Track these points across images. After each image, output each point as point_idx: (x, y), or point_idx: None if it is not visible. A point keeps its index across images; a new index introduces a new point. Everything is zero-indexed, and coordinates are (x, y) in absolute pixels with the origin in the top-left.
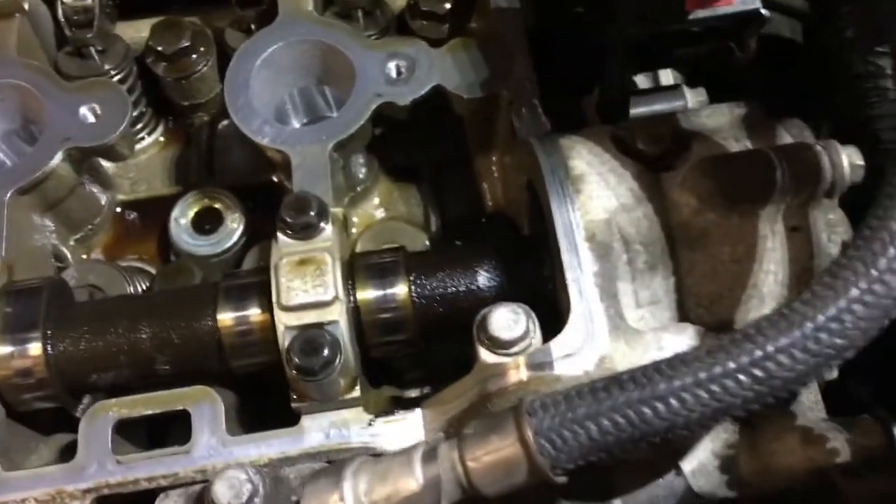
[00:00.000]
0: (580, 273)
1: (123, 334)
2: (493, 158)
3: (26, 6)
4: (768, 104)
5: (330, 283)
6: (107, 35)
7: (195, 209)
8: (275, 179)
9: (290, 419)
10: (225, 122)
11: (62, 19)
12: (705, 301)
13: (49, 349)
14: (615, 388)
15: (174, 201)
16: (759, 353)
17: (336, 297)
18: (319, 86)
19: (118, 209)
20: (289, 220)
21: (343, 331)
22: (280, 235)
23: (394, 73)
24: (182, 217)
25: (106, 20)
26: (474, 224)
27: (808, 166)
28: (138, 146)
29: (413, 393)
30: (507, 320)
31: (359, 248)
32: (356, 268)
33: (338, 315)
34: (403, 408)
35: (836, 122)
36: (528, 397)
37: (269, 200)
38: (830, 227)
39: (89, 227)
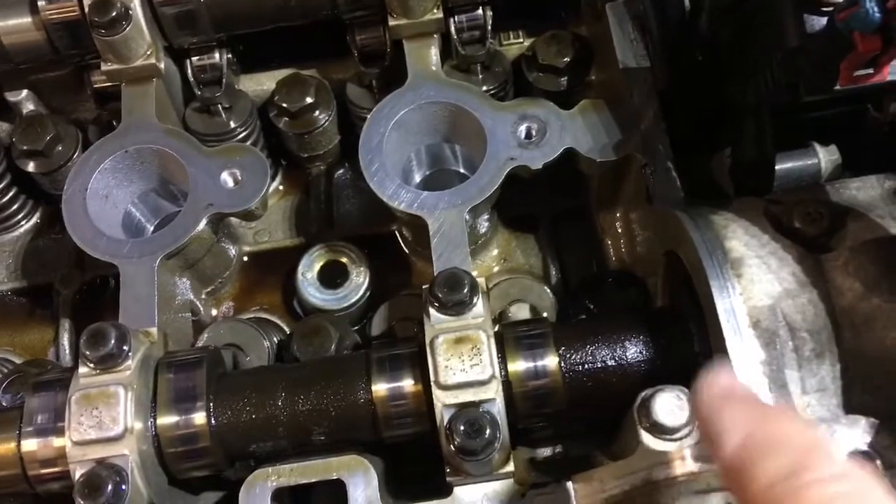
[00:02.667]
0: (748, 362)
1: (282, 406)
2: (618, 214)
3: (162, 69)
4: None
5: (486, 361)
6: (233, 92)
7: (321, 263)
8: (394, 230)
9: (436, 485)
10: (341, 171)
11: (191, 78)
12: (871, 387)
13: (213, 419)
14: None
15: (296, 252)
16: None
17: (493, 376)
18: (446, 142)
19: (245, 259)
20: (441, 297)
21: (500, 408)
22: (432, 311)
23: (524, 136)
24: (308, 272)
25: (231, 76)
26: (601, 283)
27: None
28: None
29: (545, 451)
30: (672, 406)
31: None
32: (506, 340)
33: (494, 393)
34: (540, 469)
35: None
36: None
37: (387, 250)
38: None
39: (219, 280)
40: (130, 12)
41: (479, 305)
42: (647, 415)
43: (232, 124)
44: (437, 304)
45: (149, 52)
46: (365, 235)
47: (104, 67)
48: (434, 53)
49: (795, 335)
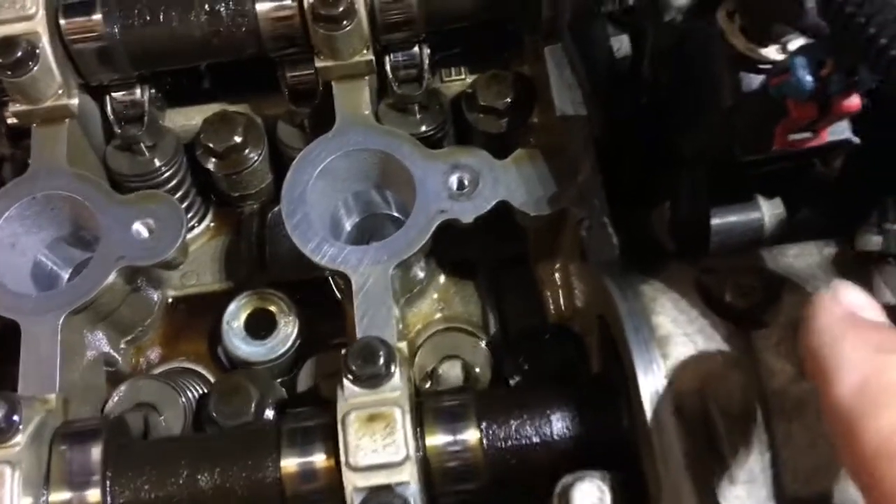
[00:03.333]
0: (669, 452)
1: (184, 485)
2: (557, 266)
3: (75, 108)
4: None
5: (401, 441)
6: (156, 129)
7: (247, 311)
8: (327, 274)
9: None
10: (275, 210)
11: (111, 115)
12: (802, 476)
13: (108, 498)
14: None
15: (225, 297)
16: None
17: (407, 457)
18: (376, 188)
19: (169, 301)
20: (355, 370)
21: (413, 491)
22: (346, 383)
23: (455, 187)
24: (234, 321)
25: (155, 112)
26: (537, 339)
27: None
28: (187, 236)
29: None
30: (592, 497)
31: (417, 358)
32: (426, 411)
33: (408, 476)
34: None
35: None
36: None
37: (320, 296)
38: None
39: (140, 328)
40: (38, 51)
41: (397, 377)
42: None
43: (156, 163)
44: (350, 377)
45: (60, 92)
46: (300, 281)
47: (12, 109)
48: (364, 96)
49: (722, 422)
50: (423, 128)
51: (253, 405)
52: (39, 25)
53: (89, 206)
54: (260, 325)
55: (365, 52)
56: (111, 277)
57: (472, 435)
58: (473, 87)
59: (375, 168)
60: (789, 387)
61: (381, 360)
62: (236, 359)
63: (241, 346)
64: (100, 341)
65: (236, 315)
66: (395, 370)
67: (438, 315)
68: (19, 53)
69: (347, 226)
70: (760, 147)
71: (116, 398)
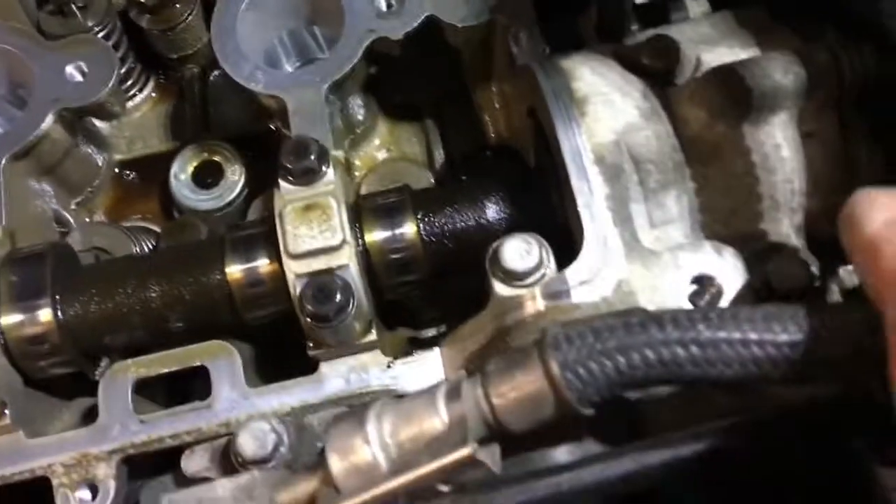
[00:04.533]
0: (591, 198)
1: (133, 294)
2: (493, 89)
3: None
4: (774, 7)
5: (337, 226)
6: None
7: (194, 164)
8: (272, 127)
9: (309, 367)
10: (216, 73)
11: None
12: (721, 216)
13: (59, 314)
14: (653, 325)
15: (172, 157)
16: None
17: (344, 241)
18: (309, 27)
19: (116, 169)
20: (289, 165)
21: (354, 274)
22: (282, 182)
23: (383, 6)
24: (182, 173)
25: None
26: (478, 157)
27: (820, 68)
28: (130, 104)
29: (430, 332)
30: (520, 251)
31: (363, 190)
32: (362, 210)
33: (347, 259)
34: (421, 348)
35: (844, 19)
36: (551, 330)
37: (268, 149)
38: (846, 131)
39: (89, 189)
40: None
41: (331, 174)
42: (498, 263)
43: (89, 23)
44: (286, 175)
45: None
46: (247, 135)
47: None
48: None
49: (640, 168)
50: None
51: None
52: None
53: (20, 55)
54: (208, 176)
55: None
56: (48, 121)
57: (409, 227)
58: None
59: (304, 0)
60: (703, 133)
61: (313, 155)
62: (186, 209)
63: (190, 195)
64: (48, 195)
65: (183, 168)
66: (328, 168)
67: (384, 156)
68: None
69: (288, 68)
70: None
71: (69, 242)
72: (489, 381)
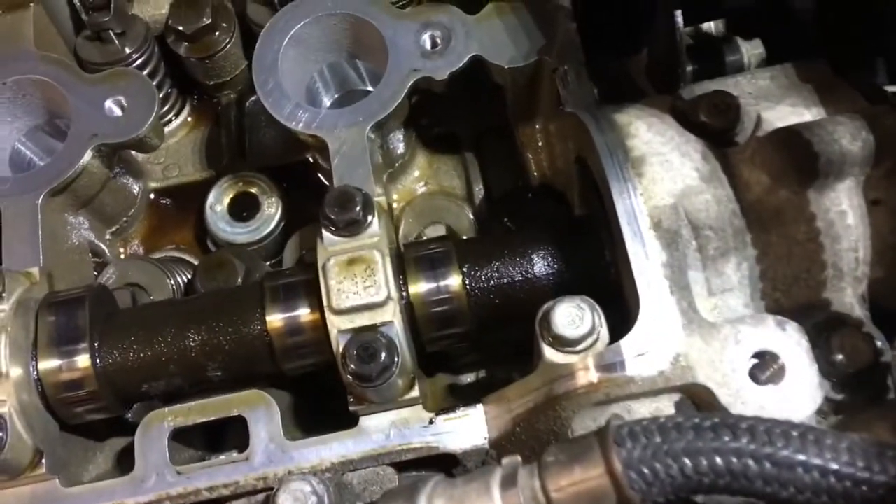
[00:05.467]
0: (647, 264)
1: (172, 343)
2: (537, 127)
3: None
4: (834, 60)
5: (381, 282)
6: (124, 16)
7: (230, 195)
8: (309, 158)
9: (348, 417)
10: (253, 99)
11: (77, 2)
12: (782, 285)
13: (98, 361)
14: (726, 431)
15: (208, 186)
16: None
17: (389, 297)
18: (351, 60)
19: (152, 196)
20: (333, 217)
21: (398, 331)
22: (325, 233)
23: (428, 45)
24: (217, 204)
25: (123, 1)
26: (520, 198)
27: (890, 133)
28: (166, 129)
29: (468, 378)
30: (572, 317)
31: (402, 227)
32: (407, 261)
33: (392, 315)
34: (460, 395)
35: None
36: (614, 423)
37: (305, 179)
38: None
39: (124, 219)
40: None
41: (375, 225)
42: (548, 327)
43: (127, 51)
44: (329, 226)
45: None
46: (283, 165)
47: None
48: None
49: (699, 234)
50: None
51: (240, 278)
52: None
53: (59, 88)
54: (244, 209)
55: None
56: (86, 156)
57: (454, 279)
58: None
59: (346, 34)
60: (765, 197)
61: (358, 207)
62: (222, 242)
63: (226, 228)
64: (83, 227)
65: (219, 199)
66: (373, 218)
67: (422, 190)
68: None
69: (327, 101)
70: None
71: (104, 278)
72: (547, 472)
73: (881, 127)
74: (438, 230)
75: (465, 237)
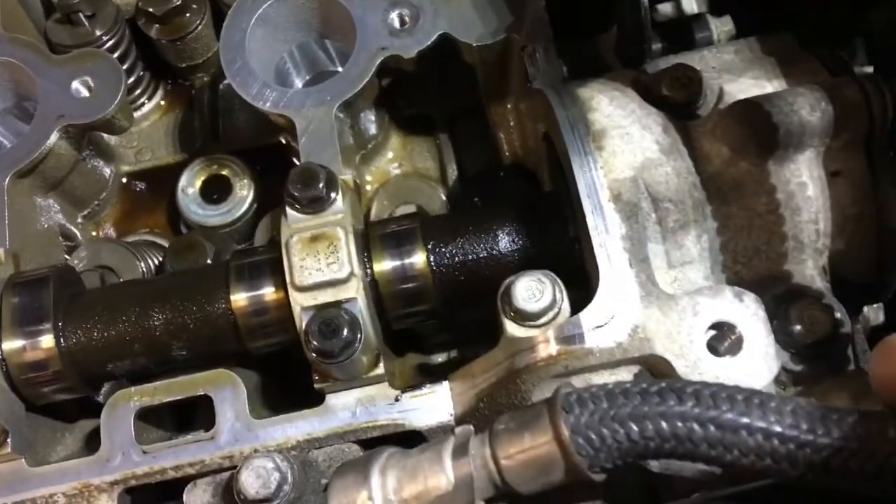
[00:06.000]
0: (607, 237)
1: (136, 322)
2: (508, 106)
3: None
4: (801, 32)
5: (344, 258)
6: None
7: (202, 178)
8: (283, 140)
9: (315, 396)
10: (226, 82)
11: None
12: (742, 257)
13: (62, 341)
14: (672, 395)
15: (181, 169)
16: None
17: (352, 273)
18: (320, 40)
19: (124, 180)
20: (296, 194)
21: (361, 307)
22: (289, 210)
23: (397, 24)
24: (189, 187)
25: None
26: (492, 177)
27: (849, 105)
28: (139, 112)
29: (439, 358)
30: (532, 290)
31: (374, 208)
32: (372, 238)
33: (355, 292)
34: (430, 375)
35: (872, 47)
36: (563, 390)
37: (278, 162)
38: (874, 170)
39: (96, 202)
40: None
41: (339, 202)
42: (509, 301)
43: (97, 33)
44: (293, 203)
45: None
46: (256, 147)
47: None
48: None
49: (659, 206)
50: None
51: (209, 260)
52: None
53: (27, 70)
54: (216, 191)
55: None
56: (53, 137)
57: (418, 256)
58: None
59: (315, 14)
60: (725, 169)
61: (321, 184)
62: (194, 224)
63: (198, 210)
64: (54, 210)
65: (191, 181)
66: (337, 196)
67: (396, 172)
68: None
69: (298, 82)
70: None
71: (74, 261)
72: (497, 440)
73: (841, 98)
74: (409, 210)
75: (429, 215)
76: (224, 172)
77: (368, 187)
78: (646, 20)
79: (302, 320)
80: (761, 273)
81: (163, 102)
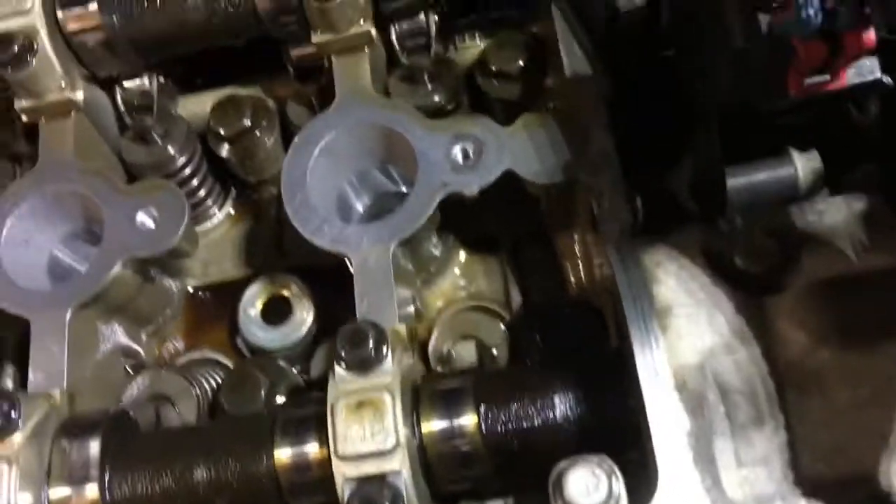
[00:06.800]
0: (670, 432)
1: (180, 478)
2: (575, 237)
3: (81, 101)
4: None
5: (390, 428)
6: (167, 117)
7: (264, 298)
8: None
9: None
10: None
11: (121, 106)
12: (823, 454)
13: (107, 495)
14: None
15: (245, 285)
16: None
17: (397, 444)
18: (383, 166)
19: (190, 290)
20: (344, 355)
21: (406, 480)
22: (337, 368)
23: (460, 159)
24: (251, 307)
25: (166, 101)
26: (556, 313)
27: None
28: (209, 224)
29: None
30: (586, 484)
31: (435, 334)
32: (422, 396)
33: (399, 464)
34: None
35: None
36: None
37: (341, 282)
38: None
39: (160, 318)
40: (36, 46)
41: (388, 363)
42: (561, 493)
43: (170, 151)
44: (340, 362)
45: (63, 85)
46: (319, 266)
47: (18, 105)
48: (364, 69)
49: (727, 398)
50: (435, 98)
51: (262, 393)
52: (37, 19)
53: (95, 199)
54: (277, 312)
55: (362, 22)
56: (116, 269)
57: (469, 419)
58: (485, 52)
59: (378, 143)
60: (804, 358)
61: (371, 345)
62: (253, 346)
63: (258, 332)
64: (116, 333)
65: (252, 302)
66: (387, 354)
67: (462, 293)
68: (16, 48)
69: (359, 207)
70: (775, 93)
71: (132, 391)
72: None
73: None
74: (468, 346)
75: (487, 370)
76: (285, 293)
77: (433, 306)
78: (721, 164)
79: (344, 490)
80: (844, 473)
81: (232, 212)
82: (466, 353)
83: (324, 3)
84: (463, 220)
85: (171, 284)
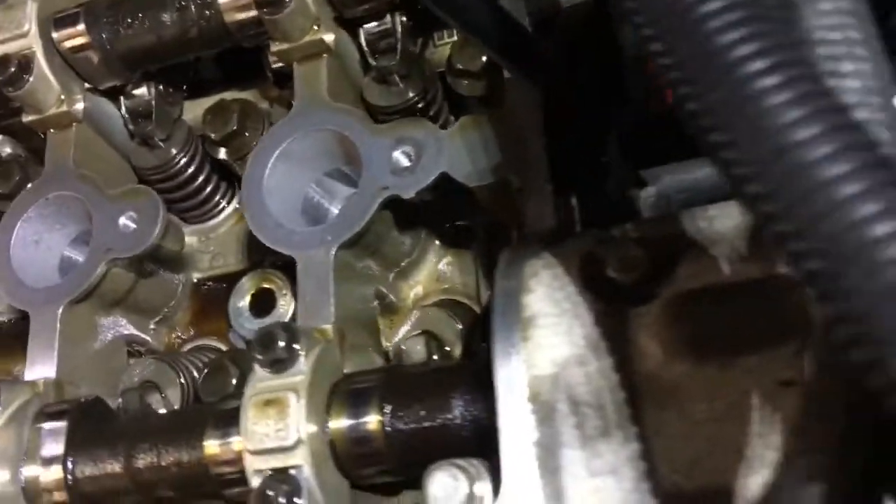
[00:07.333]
0: (517, 441)
1: (127, 463)
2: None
3: (80, 113)
4: None
5: (292, 426)
6: (167, 122)
7: (252, 291)
8: None
9: None
10: None
11: (125, 114)
12: (681, 466)
13: (69, 476)
14: None
15: (243, 277)
16: None
17: (299, 440)
18: (347, 165)
19: (195, 280)
20: (258, 356)
21: (308, 475)
22: (256, 367)
23: (403, 162)
24: (240, 300)
25: (167, 107)
26: None
27: (800, 306)
28: (219, 217)
29: None
30: (447, 487)
31: (401, 331)
32: (336, 395)
33: (301, 459)
34: None
35: None
36: None
37: None
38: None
39: (166, 308)
40: (32, 65)
41: (301, 363)
42: (425, 495)
43: (172, 152)
44: (257, 362)
45: (62, 99)
46: None
47: (25, 119)
48: (321, 76)
49: (577, 410)
50: (410, 94)
51: (233, 383)
52: (33, 41)
53: (87, 203)
54: (263, 304)
55: (315, 29)
56: (101, 268)
57: (374, 418)
58: (450, 50)
59: (335, 148)
60: (660, 371)
61: (280, 347)
62: (244, 337)
63: (245, 324)
64: (119, 325)
65: (242, 294)
66: (301, 355)
67: (437, 285)
68: (12, 69)
69: (334, 210)
70: (655, 104)
71: (126, 378)
72: None
73: (790, 299)
74: (418, 342)
75: (400, 369)
76: (268, 286)
77: (412, 294)
78: (622, 180)
79: (253, 483)
80: (702, 486)
81: (237, 207)
82: (415, 349)
83: (272, 14)
84: (436, 214)
85: (174, 277)
